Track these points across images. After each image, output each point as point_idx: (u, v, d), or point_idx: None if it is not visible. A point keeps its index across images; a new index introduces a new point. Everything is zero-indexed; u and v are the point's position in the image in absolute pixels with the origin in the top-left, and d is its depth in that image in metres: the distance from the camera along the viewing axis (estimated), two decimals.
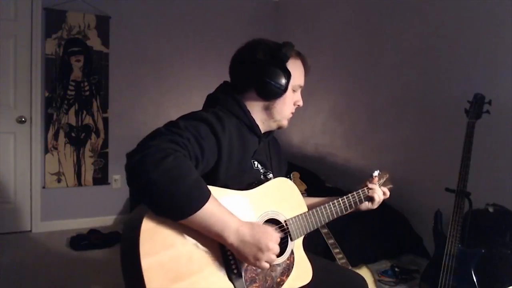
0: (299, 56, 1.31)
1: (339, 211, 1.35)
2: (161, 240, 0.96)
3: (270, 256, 1.06)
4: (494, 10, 2.32)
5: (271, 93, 1.23)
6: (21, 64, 3.35)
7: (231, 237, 1.02)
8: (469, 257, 1.91)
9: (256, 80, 1.23)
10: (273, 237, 1.08)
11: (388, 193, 1.47)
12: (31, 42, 3.34)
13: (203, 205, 0.96)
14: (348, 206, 1.37)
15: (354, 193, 1.40)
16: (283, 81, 1.22)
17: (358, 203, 1.40)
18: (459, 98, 2.24)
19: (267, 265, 1.07)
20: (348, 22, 3.46)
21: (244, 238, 1.03)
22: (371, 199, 1.42)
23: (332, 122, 3.67)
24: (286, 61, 1.23)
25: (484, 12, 2.38)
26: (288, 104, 1.30)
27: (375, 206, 1.45)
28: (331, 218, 1.33)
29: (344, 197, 1.37)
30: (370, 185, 1.43)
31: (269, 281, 1.16)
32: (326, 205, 1.33)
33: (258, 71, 1.22)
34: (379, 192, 1.43)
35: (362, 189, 1.42)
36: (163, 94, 3.88)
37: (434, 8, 2.68)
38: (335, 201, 1.35)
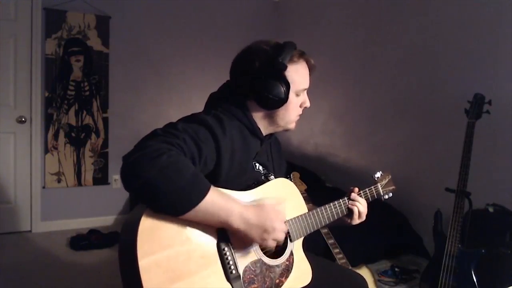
0: (302, 56, 1.24)
1: (339, 212, 1.35)
2: (158, 241, 0.96)
3: (278, 235, 1.08)
4: (493, 10, 2.32)
5: (271, 104, 1.20)
6: (21, 64, 3.35)
7: (237, 222, 1.02)
8: (469, 257, 1.91)
9: (254, 92, 1.19)
10: (278, 216, 1.09)
11: (365, 205, 1.38)
12: (31, 42, 3.34)
13: (204, 197, 0.96)
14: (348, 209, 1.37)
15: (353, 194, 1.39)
16: (282, 92, 1.18)
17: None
18: (459, 98, 2.24)
19: (273, 244, 1.09)
20: (348, 22, 3.46)
21: (249, 221, 1.03)
22: (350, 212, 1.36)
23: (332, 122, 3.67)
24: (284, 70, 1.18)
25: (483, 12, 2.38)
26: (292, 110, 1.26)
27: (355, 221, 1.37)
28: (331, 219, 1.33)
29: (345, 198, 1.37)
30: (352, 196, 1.37)
31: (267, 282, 1.15)
32: (327, 206, 1.32)
33: (255, 83, 1.18)
34: (360, 206, 1.35)
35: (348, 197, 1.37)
36: (163, 94, 3.89)
37: (434, 8, 2.68)
38: (336, 202, 1.35)
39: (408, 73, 2.90)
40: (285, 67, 1.18)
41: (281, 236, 1.09)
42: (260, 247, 1.14)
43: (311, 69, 1.28)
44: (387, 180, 1.52)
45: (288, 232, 1.20)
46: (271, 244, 1.09)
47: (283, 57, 1.17)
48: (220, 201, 1.00)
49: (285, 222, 1.20)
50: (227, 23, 4.09)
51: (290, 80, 1.20)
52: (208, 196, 0.97)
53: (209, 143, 1.07)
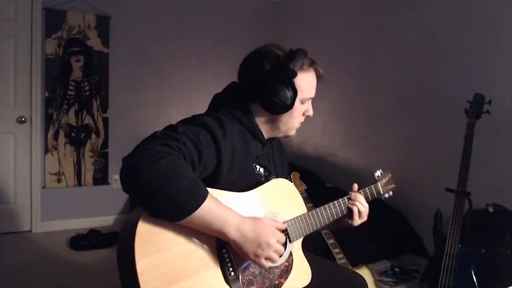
0: (312, 65, 1.24)
1: (339, 212, 1.34)
2: (156, 243, 0.96)
3: (271, 253, 1.05)
4: (493, 10, 2.32)
5: (276, 109, 1.19)
6: (21, 64, 3.35)
7: (232, 233, 1.01)
8: (469, 257, 1.91)
9: (260, 95, 1.18)
10: (275, 234, 1.07)
11: (366, 205, 1.37)
12: (31, 42, 3.34)
13: (200, 204, 0.96)
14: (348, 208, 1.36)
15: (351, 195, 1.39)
16: (289, 98, 1.17)
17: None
18: (459, 98, 2.24)
19: (265, 264, 1.05)
20: (348, 22, 3.45)
21: (245, 233, 1.02)
22: (350, 212, 1.35)
23: (332, 122, 3.67)
24: (293, 77, 1.17)
25: (483, 12, 2.37)
26: (295, 117, 1.25)
27: (356, 222, 1.35)
28: (331, 220, 1.32)
29: (345, 197, 1.37)
30: (352, 196, 1.36)
31: (267, 284, 1.15)
32: (326, 206, 1.32)
33: (263, 86, 1.17)
34: (360, 206, 1.34)
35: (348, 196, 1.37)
36: (163, 94, 3.88)
37: (434, 8, 2.68)
38: (335, 202, 1.34)
39: (408, 73, 2.90)
40: (295, 74, 1.18)
41: (274, 256, 1.06)
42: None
43: (319, 78, 1.28)
44: (387, 178, 1.52)
45: (288, 233, 1.20)
46: (264, 263, 1.05)
47: (294, 63, 1.17)
48: (217, 210, 1.00)
49: (284, 223, 1.20)
50: (227, 23, 4.08)
51: (297, 87, 1.19)
52: (204, 204, 0.96)
53: (209, 146, 1.07)
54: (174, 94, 3.92)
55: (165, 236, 0.97)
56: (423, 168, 2.77)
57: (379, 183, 1.48)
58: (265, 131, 1.26)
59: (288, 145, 4.03)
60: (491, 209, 2.10)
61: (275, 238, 1.07)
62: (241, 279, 1.09)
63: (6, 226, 3.37)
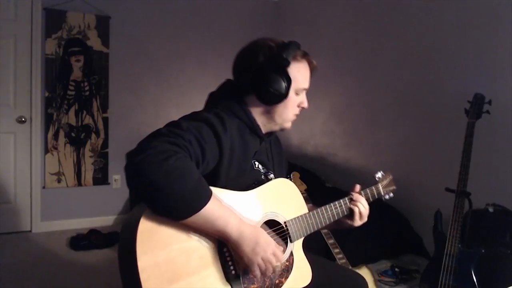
0: (305, 57, 1.25)
1: (340, 212, 1.34)
2: (158, 241, 0.96)
3: (267, 255, 1.07)
4: (494, 10, 2.32)
5: (271, 99, 1.20)
6: (21, 64, 3.35)
7: (234, 232, 1.02)
8: (469, 257, 1.91)
9: (255, 86, 1.19)
10: (272, 243, 1.10)
11: (367, 206, 1.38)
12: (31, 42, 3.34)
13: (204, 205, 0.97)
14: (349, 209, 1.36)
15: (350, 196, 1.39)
16: (283, 87, 1.18)
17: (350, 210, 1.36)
18: (459, 98, 2.24)
19: (262, 265, 1.07)
20: (348, 22, 3.46)
21: (243, 233, 1.04)
22: (351, 212, 1.35)
23: (332, 122, 3.67)
24: (287, 66, 1.19)
25: (484, 12, 2.38)
26: (290, 108, 1.26)
27: (356, 223, 1.36)
28: (332, 220, 1.33)
29: (346, 198, 1.37)
30: (354, 196, 1.37)
31: (267, 283, 1.15)
32: (327, 206, 1.32)
33: (257, 76, 1.18)
34: (361, 207, 1.35)
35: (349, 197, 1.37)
36: (163, 94, 3.89)
37: (434, 8, 2.68)
38: (336, 202, 1.34)
39: (408, 73, 2.90)
40: (288, 63, 1.19)
41: (272, 258, 1.08)
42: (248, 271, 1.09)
43: (312, 70, 1.29)
44: (388, 180, 1.52)
45: (289, 232, 1.21)
46: (261, 263, 1.06)
47: (287, 53, 1.19)
48: (220, 210, 1.01)
49: (284, 222, 1.20)
50: (227, 23, 4.09)
51: (291, 77, 1.20)
52: (209, 204, 0.97)
53: (211, 142, 1.07)
54: (174, 94, 3.92)
55: (166, 234, 0.97)
56: (423, 168, 2.78)
57: (379, 185, 1.48)
58: (262, 124, 1.27)
59: (288, 145, 4.03)
60: (491, 209, 2.10)
61: (273, 244, 1.10)
62: (242, 278, 1.09)
63: (6, 226, 3.37)
